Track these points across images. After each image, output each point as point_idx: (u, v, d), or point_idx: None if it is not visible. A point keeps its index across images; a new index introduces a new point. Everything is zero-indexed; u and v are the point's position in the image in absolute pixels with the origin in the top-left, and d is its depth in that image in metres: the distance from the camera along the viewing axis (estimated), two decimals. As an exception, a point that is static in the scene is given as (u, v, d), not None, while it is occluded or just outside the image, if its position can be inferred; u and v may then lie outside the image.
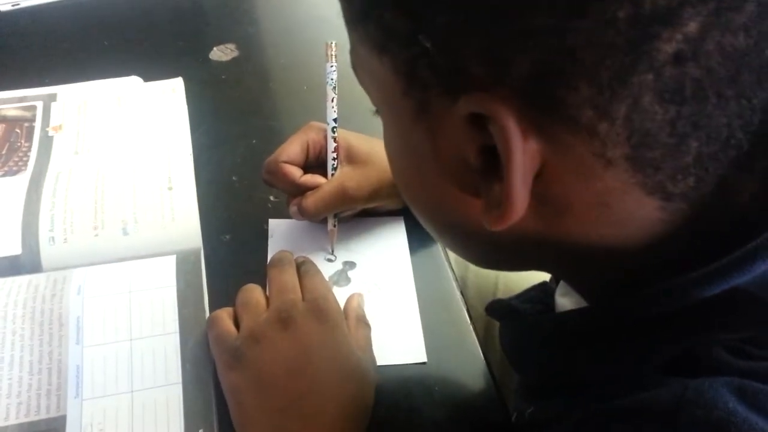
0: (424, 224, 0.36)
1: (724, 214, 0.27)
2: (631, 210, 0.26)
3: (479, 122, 0.25)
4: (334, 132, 0.51)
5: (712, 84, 0.22)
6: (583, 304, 0.35)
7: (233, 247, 0.54)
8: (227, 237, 0.55)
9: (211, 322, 0.46)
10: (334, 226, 0.53)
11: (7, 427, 0.42)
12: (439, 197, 0.31)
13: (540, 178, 0.26)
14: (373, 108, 0.32)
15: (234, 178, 0.59)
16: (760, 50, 0.22)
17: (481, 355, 0.49)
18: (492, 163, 0.26)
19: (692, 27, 0.21)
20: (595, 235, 0.28)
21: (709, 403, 0.25)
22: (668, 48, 0.21)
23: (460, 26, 0.23)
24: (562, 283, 0.37)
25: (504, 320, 0.39)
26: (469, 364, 0.48)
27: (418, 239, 0.56)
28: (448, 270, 0.54)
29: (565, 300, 0.36)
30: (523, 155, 0.24)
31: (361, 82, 0.32)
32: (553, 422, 0.33)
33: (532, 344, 0.35)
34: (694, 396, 0.25)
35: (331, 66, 0.50)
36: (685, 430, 0.25)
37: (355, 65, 0.31)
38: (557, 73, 0.23)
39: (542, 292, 0.40)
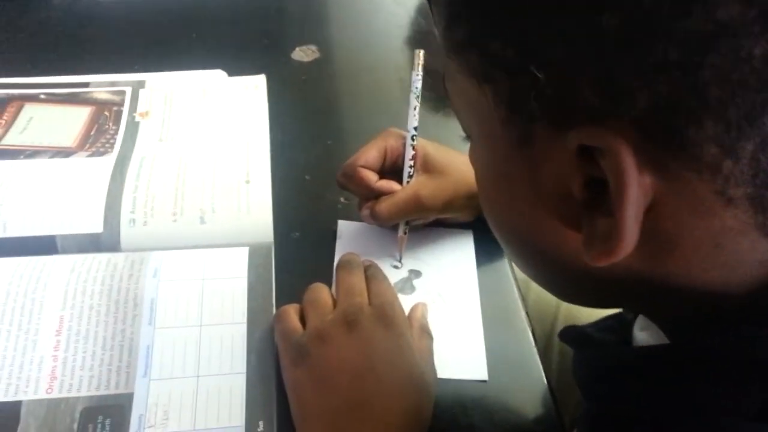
0: (507, 250, 0.35)
1: None
2: (743, 251, 0.25)
3: (588, 154, 0.24)
4: (413, 140, 0.51)
5: None
6: (663, 339, 0.34)
7: (301, 245, 0.55)
8: (296, 234, 0.56)
9: (279, 317, 0.46)
10: (405, 233, 0.53)
11: (78, 398, 0.44)
12: (530, 226, 0.30)
13: (649, 214, 0.25)
14: (463, 134, 0.32)
15: (307, 177, 0.60)
16: None
17: (544, 377, 0.48)
18: (597, 196, 0.25)
19: None
20: (699, 277, 0.27)
21: None
22: None
23: (578, 58, 0.23)
24: (641, 316, 0.36)
25: (578, 347, 0.38)
26: (531, 386, 0.47)
27: (485, 253, 0.55)
28: (514, 288, 0.54)
29: (644, 335, 0.35)
30: (638, 190, 0.24)
31: (455, 110, 0.31)
32: None
33: (608, 375, 0.34)
34: None
35: (417, 75, 0.50)
36: None
37: (451, 92, 0.30)
38: (682, 108, 0.22)
39: (618, 322, 0.38)
